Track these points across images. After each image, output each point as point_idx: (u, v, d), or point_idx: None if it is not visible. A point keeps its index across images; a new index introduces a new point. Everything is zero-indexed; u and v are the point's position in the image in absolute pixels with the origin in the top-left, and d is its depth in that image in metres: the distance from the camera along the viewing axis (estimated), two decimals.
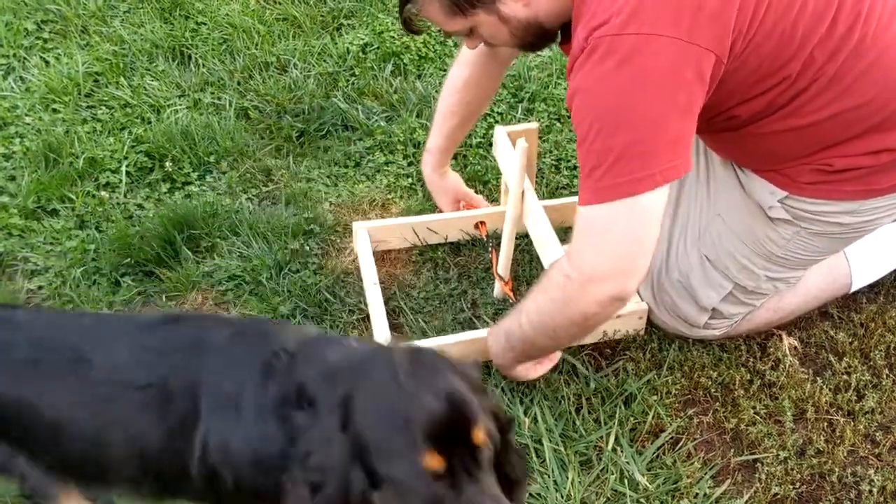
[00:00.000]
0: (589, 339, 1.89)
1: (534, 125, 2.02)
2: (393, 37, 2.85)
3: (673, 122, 1.39)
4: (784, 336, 1.97)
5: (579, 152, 1.45)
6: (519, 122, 2.57)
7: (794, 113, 1.52)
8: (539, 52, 1.75)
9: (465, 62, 1.99)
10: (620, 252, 1.45)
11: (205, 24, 2.91)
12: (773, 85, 1.48)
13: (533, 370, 1.78)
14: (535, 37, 1.58)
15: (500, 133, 1.98)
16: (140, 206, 2.26)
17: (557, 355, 1.82)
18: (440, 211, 2.21)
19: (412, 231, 2.15)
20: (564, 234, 1.93)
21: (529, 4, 1.52)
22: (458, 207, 2.19)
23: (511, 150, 1.91)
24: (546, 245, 1.86)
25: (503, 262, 2.01)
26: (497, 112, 2.61)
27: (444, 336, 1.86)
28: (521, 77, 2.74)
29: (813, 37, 1.44)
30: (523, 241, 2.14)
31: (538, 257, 2.16)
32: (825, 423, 1.81)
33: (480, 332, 1.85)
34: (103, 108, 2.57)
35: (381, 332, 1.85)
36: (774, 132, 1.57)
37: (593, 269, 1.46)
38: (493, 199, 2.27)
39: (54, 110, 2.55)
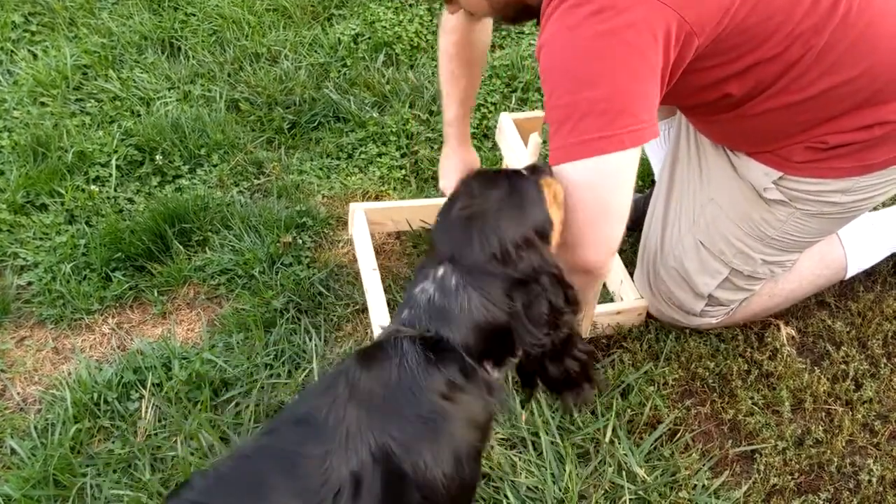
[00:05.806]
0: (585, 333, 1.87)
1: (540, 113, 1.99)
2: (385, 27, 2.82)
3: (640, 80, 1.34)
4: (781, 325, 1.96)
5: (546, 108, 1.40)
6: (512, 111, 2.55)
7: (786, 89, 1.51)
8: (520, 27, 1.71)
9: (449, 28, 1.93)
10: (586, 218, 1.38)
11: (194, 15, 2.88)
12: (763, 59, 1.46)
13: None
14: (516, 11, 1.55)
15: (505, 120, 1.96)
16: (130, 200, 2.23)
17: None
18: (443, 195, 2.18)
19: (411, 214, 2.11)
20: None
21: None
22: None
23: (517, 139, 1.89)
24: None
25: None
26: (491, 102, 2.59)
27: None
28: (514, 67, 2.71)
29: (797, 10, 1.42)
30: None
31: None
32: (823, 413, 1.80)
33: None
34: (92, 101, 2.54)
35: (381, 319, 1.83)
36: (768, 110, 1.55)
37: (560, 234, 1.37)
38: None
39: (42, 104, 2.52)
